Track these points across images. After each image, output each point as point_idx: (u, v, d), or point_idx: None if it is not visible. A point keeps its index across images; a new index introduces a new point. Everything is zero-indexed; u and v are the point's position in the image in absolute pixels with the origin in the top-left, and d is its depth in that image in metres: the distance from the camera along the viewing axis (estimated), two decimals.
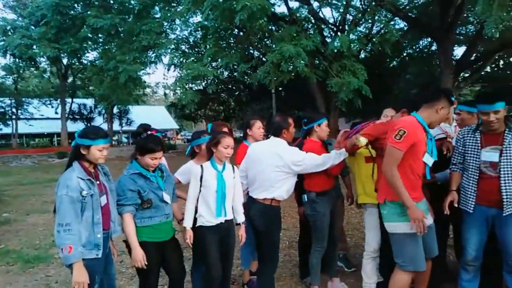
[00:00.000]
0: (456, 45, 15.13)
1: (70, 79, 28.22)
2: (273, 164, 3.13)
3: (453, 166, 3.13)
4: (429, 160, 2.76)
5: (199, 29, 12.62)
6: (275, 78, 8.99)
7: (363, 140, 2.98)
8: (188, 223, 2.87)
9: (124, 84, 13.73)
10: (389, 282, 2.83)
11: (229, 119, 25.75)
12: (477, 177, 2.94)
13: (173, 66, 14.65)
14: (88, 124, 27.89)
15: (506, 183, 2.81)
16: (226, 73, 17.73)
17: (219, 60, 10.93)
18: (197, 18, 13.40)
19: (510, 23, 11.74)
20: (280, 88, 20.56)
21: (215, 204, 2.87)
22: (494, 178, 2.85)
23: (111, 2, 15.91)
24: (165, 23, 13.67)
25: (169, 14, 13.47)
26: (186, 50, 15.71)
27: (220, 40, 11.82)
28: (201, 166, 2.92)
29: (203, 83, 13.43)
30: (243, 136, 3.98)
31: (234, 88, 20.95)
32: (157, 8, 15.41)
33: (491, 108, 2.79)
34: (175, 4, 14.33)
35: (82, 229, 2.32)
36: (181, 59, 14.00)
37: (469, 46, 13.24)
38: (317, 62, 10.89)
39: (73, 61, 24.01)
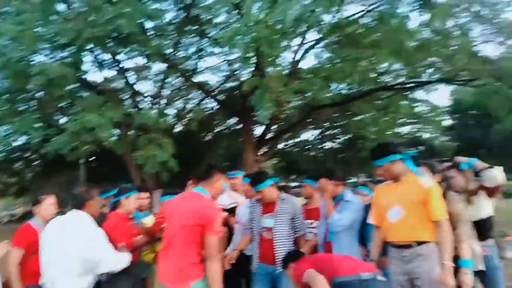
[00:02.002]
0: (257, 125, 17.66)
1: None
2: (63, 249, 2.63)
3: (244, 230, 3.58)
4: None
5: None
6: (83, 148, 8.26)
7: (149, 220, 2.95)
8: None
9: None
10: None
11: (23, 193, 21.60)
12: (259, 240, 3.39)
13: None
14: None
15: (278, 243, 3.28)
16: (24, 139, 15.31)
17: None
18: None
19: (287, 112, 14.61)
20: (92, 158, 19.00)
21: None
22: (271, 240, 3.31)
23: None
24: None
25: None
26: None
27: (14, 102, 10.26)
28: None
29: None
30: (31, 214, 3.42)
31: (31, 157, 18.12)
32: None
33: (256, 189, 3.40)
34: None
35: None
36: None
37: (266, 126, 15.67)
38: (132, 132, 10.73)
39: None
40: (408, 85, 13.30)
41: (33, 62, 8.73)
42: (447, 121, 28.46)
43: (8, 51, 8.33)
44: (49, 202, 3.34)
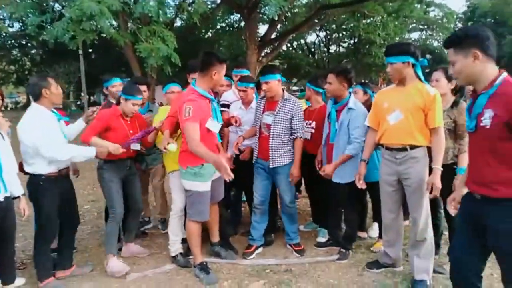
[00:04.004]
0: (260, 23, 16.82)
1: None
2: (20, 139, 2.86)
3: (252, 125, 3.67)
4: (213, 125, 3.05)
5: None
6: (77, 37, 7.91)
7: (172, 147, 3.10)
8: None
9: None
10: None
11: (23, 82, 21.47)
12: (258, 136, 3.53)
13: None
14: None
15: (273, 141, 3.41)
16: (17, 26, 14.68)
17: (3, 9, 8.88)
18: None
19: (294, 10, 13.59)
20: (90, 50, 18.55)
21: None
22: (268, 137, 3.43)
23: None
24: None
25: None
26: None
27: None
28: None
29: None
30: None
31: (29, 45, 17.54)
32: None
33: (263, 79, 3.39)
34: None
35: None
36: None
37: (270, 25, 14.94)
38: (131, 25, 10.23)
39: None
40: None
41: None
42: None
43: None
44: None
